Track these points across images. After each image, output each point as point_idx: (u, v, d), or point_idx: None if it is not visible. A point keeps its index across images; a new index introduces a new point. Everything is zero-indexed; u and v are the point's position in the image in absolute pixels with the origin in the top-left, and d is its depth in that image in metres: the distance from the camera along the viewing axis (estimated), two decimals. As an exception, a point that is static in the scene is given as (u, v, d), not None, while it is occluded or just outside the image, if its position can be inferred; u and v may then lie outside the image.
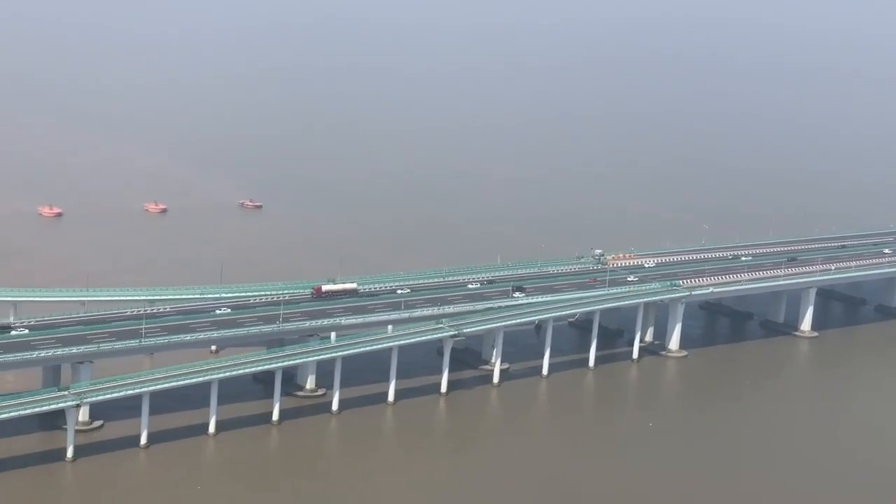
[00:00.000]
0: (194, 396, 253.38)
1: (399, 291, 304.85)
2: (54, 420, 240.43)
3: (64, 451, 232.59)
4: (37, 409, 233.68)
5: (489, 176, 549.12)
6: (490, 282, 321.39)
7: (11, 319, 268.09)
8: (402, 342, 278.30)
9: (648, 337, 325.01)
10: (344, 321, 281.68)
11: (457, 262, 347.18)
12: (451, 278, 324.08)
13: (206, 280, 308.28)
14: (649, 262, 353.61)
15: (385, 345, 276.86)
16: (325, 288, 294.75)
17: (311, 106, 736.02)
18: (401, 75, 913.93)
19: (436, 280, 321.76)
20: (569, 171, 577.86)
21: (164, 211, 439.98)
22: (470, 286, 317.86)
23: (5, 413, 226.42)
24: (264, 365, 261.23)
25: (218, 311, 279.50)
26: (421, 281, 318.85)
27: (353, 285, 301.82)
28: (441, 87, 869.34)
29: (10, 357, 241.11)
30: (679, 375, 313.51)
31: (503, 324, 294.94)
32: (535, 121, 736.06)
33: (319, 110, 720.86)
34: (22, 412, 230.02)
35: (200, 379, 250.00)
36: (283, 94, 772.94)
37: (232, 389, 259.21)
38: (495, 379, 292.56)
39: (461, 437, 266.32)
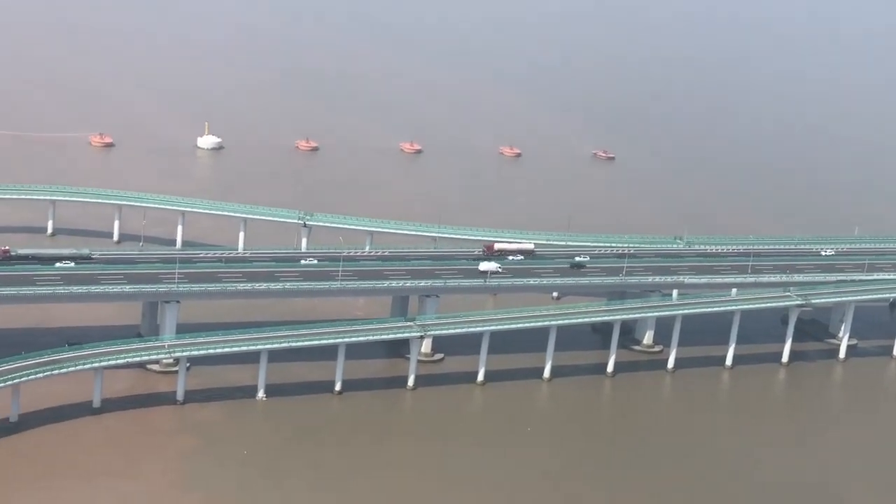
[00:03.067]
0: (532, 340, 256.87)
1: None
2: (399, 348, 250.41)
3: (405, 378, 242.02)
4: (384, 337, 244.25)
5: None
6: (842, 254, 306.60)
7: (368, 248, 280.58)
8: (746, 307, 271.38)
9: None
10: (687, 280, 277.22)
11: (810, 230, 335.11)
12: (802, 246, 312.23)
13: (554, 228, 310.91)
14: None
15: (728, 307, 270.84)
16: (497, 245, 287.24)
17: (676, 65, 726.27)
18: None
19: (786, 247, 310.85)
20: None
21: (518, 155, 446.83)
22: (824, 253, 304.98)
23: (356, 337, 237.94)
24: (604, 316, 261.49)
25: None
26: (770, 247, 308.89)
27: (530, 245, 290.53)
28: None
29: (362, 284, 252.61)
30: None
31: (855, 298, 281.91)
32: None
33: (683, 70, 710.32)
34: (370, 338, 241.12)
35: (540, 324, 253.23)
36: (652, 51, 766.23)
37: (569, 337, 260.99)
38: (841, 354, 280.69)
39: (801, 407, 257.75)
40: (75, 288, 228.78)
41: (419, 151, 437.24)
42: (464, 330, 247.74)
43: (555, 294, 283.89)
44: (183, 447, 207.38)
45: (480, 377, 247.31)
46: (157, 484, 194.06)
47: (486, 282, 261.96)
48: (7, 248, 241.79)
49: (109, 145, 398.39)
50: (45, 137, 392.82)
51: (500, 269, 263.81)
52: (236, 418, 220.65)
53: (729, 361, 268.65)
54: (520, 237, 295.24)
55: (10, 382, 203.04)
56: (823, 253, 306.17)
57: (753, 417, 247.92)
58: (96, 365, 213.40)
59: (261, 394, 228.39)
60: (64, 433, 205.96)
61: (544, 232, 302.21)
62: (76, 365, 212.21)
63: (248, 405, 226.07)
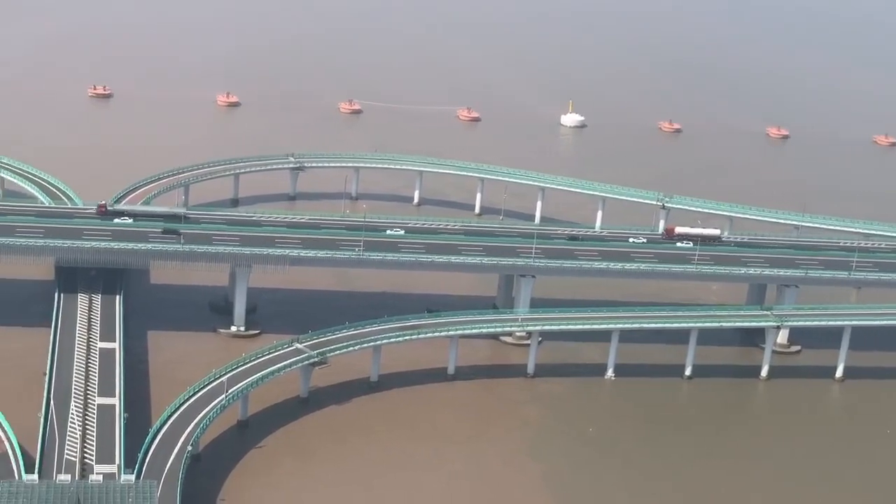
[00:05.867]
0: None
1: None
2: (753, 337, 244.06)
3: (759, 368, 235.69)
4: (738, 325, 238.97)
5: None
6: None
7: (725, 233, 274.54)
8: None
9: None
10: None
11: None
12: None
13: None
14: None
15: None
16: (678, 230, 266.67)
17: None
18: None
19: None
20: None
21: (894, 145, 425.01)
22: None
23: (709, 323, 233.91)
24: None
25: None
26: None
27: (716, 232, 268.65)
28: None
29: (719, 270, 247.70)
30: None
31: None
32: None
33: None
34: (724, 324, 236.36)
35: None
36: None
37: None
38: None
39: None
40: (437, 257, 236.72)
41: (786, 137, 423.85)
42: (823, 323, 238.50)
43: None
44: (530, 418, 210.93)
45: (839, 373, 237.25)
46: (503, 450, 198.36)
47: (850, 274, 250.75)
48: (104, 202, 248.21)
49: (476, 119, 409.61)
50: (416, 110, 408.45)
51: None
52: (584, 395, 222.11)
53: None
54: (890, 231, 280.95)
55: (372, 344, 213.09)
56: None
57: None
58: (452, 333, 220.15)
59: (609, 372, 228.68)
60: (419, 396, 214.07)
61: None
62: (434, 332, 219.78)
63: (596, 383, 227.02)
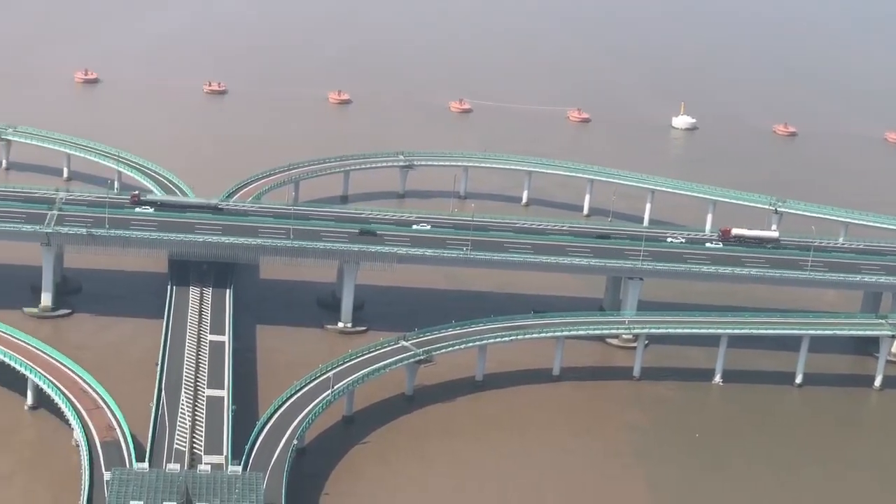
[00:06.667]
0: None
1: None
2: (867, 346, 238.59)
3: (872, 378, 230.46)
4: (852, 333, 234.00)
5: None
6: None
7: (841, 240, 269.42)
8: None
9: None
10: None
11: None
12: None
13: None
14: None
15: None
16: (735, 231, 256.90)
17: None
18: None
19: None
20: None
21: None
22: None
23: (821, 330, 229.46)
24: None
25: None
26: None
27: (774, 234, 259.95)
28: None
29: (832, 276, 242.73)
30: None
31: None
32: None
33: None
34: (837, 332, 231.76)
35: None
36: None
37: None
38: None
39: None
40: (544, 258, 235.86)
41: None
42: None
43: None
44: (635, 421, 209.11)
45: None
46: (607, 453, 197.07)
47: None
48: (137, 192, 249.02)
49: (586, 121, 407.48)
50: (526, 111, 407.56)
51: None
52: (690, 400, 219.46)
53: None
54: None
55: (478, 343, 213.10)
56: None
57: None
58: (558, 334, 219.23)
59: (717, 378, 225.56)
60: (523, 396, 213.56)
61: None
62: (540, 332, 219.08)
63: (703, 388, 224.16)
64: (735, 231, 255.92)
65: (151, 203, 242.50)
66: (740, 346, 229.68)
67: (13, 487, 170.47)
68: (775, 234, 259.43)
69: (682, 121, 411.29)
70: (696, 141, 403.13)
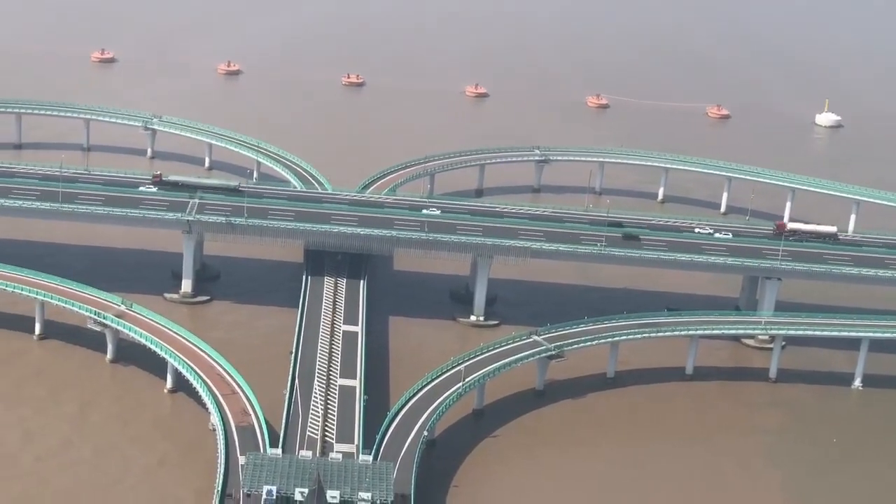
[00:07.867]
0: None
1: None
2: None
3: None
4: None
5: None
6: None
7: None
8: None
9: None
10: None
11: None
12: None
13: None
14: None
15: None
16: (790, 226, 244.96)
17: None
18: None
19: None
20: None
21: None
22: None
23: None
24: None
25: None
26: None
27: (832, 229, 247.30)
28: None
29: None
30: None
31: None
32: None
33: None
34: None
35: None
36: None
37: None
38: None
39: None
40: (680, 255, 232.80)
41: None
42: None
43: None
44: (770, 423, 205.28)
45: None
46: (740, 454, 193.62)
47: None
48: (159, 172, 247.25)
49: (726, 117, 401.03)
50: (664, 107, 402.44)
51: None
52: (828, 403, 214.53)
53: None
54: None
55: (610, 339, 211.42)
56: None
57: None
58: (692, 332, 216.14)
59: (857, 382, 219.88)
60: (655, 394, 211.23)
61: None
62: (674, 330, 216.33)
63: (841, 392, 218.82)
64: (791, 225, 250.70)
65: (173, 183, 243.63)
66: (883, 350, 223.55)
67: (149, 463, 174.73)
68: (833, 230, 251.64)
69: (825, 118, 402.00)
70: (841, 139, 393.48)
